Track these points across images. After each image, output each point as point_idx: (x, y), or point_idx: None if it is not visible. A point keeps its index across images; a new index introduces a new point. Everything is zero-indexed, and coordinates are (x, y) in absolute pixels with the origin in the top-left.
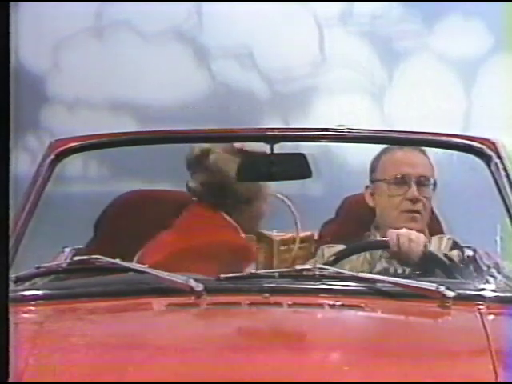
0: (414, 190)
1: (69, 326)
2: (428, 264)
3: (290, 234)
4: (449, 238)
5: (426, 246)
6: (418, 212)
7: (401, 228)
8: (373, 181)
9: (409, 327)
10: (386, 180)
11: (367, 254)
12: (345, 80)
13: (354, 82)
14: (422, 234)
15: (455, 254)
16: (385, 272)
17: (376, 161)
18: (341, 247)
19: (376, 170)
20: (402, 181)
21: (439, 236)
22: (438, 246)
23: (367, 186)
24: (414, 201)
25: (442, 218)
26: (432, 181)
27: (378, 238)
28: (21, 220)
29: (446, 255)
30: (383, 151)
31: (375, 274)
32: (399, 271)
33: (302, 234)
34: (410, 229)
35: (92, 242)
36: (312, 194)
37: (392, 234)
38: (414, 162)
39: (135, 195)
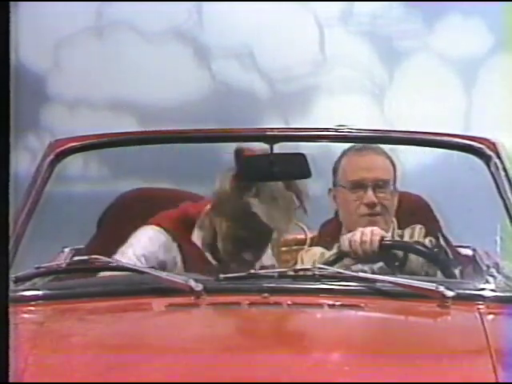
0: (370, 195)
1: (69, 326)
2: (398, 254)
3: (291, 236)
4: (420, 228)
5: (382, 237)
6: (377, 215)
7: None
8: (334, 185)
9: (408, 327)
10: (343, 185)
11: None
12: (345, 80)
13: (354, 81)
14: (376, 228)
15: (427, 241)
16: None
17: (336, 164)
18: (319, 249)
19: (336, 174)
20: (359, 186)
21: (411, 227)
22: (411, 235)
23: (330, 190)
24: (371, 205)
25: (441, 218)
26: (391, 182)
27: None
28: (21, 220)
29: (416, 242)
30: (342, 154)
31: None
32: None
33: (300, 236)
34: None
35: (94, 241)
36: (312, 193)
37: (344, 241)
38: (370, 165)
39: (137, 194)
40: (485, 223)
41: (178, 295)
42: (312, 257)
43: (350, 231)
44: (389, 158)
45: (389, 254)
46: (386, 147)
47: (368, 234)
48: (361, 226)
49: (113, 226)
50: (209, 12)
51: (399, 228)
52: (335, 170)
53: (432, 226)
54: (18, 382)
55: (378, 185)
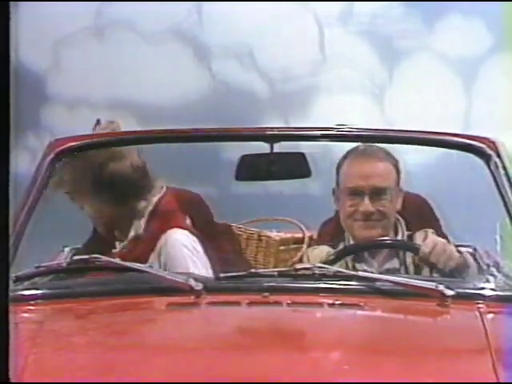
0: (366, 204)
1: (68, 325)
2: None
3: (289, 235)
4: (432, 232)
5: (458, 264)
6: (374, 221)
7: (358, 235)
8: (337, 185)
9: (408, 326)
10: (342, 190)
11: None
12: (345, 79)
13: (354, 81)
14: (456, 253)
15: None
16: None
17: (339, 165)
18: (325, 248)
19: (338, 176)
20: (355, 193)
21: (423, 230)
22: (424, 239)
23: (333, 190)
24: (368, 214)
25: (441, 217)
26: (390, 188)
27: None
28: (21, 219)
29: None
30: (346, 155)
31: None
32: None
33: (298, 235)
34: (370, 235)
35: (91, 240)
36: (312, 193)
37: (425, 251)
38: (369, 173)
39: None
40: (485, 222)
41: (178, 294)
42: (318, 255)
43: (348, 232)
44: (391, 161)
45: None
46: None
47: (449, 252)
48: (357, 231)
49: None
50: (209, 12)
51: (407, 229)
52: (337, 171)
53: (433, 226)
54: (18, 381)
55: (376, 192)
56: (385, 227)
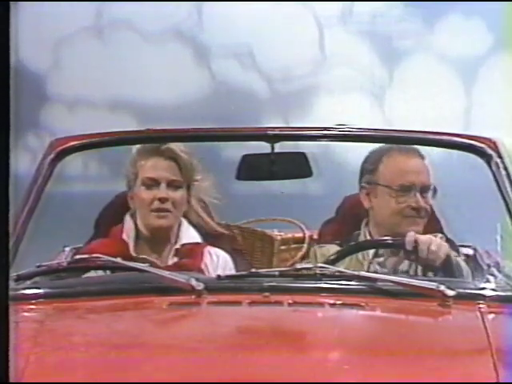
0: (418, 200)
1: (69, 324)
2: (443, 271)
3: (289, 234)
4: (441, 237)
5: (448, 255)
6: (420, 218)
7: (405, 231)
8: (370, 182)
9: (409, 326)
10: (389, 186)
11: (359, 255)
12: (345, 79)
13: (354, 81)
14: (444, 244)
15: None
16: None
17: (375, 162)
18: (333, 247)
19: (375, 173)
20: (408, 189)
21: (433, 234)
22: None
23: (362, 187)
24: (419, 210)
25: (441, 217)
26: (432, 187)
27: (370, 237)
28: (21, 219)
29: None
30: (382, 153)
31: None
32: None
33: (298, 234)
34: (416, 232)
35: (91, 241)
36: (312, 193)
37: (409, 243)
38: (418, 169)
39: None
40: (485, 222)
41: (179, 294)
42: (326, 254)
43: (387, 229)
44: (425, 160)
45: (444, 269)
46: None
47: (436, 246)
48: (403, 227)
49: (110, 225)
50: (209, 12)
51: None
52: (371, 169)
53: (433, 226)
54: (18, 380)
55: (424, 189)
56: (425, 225)
